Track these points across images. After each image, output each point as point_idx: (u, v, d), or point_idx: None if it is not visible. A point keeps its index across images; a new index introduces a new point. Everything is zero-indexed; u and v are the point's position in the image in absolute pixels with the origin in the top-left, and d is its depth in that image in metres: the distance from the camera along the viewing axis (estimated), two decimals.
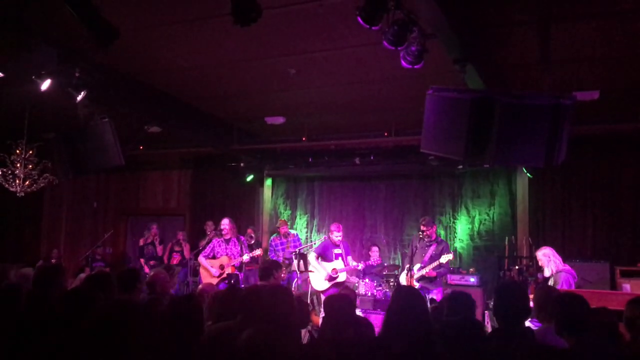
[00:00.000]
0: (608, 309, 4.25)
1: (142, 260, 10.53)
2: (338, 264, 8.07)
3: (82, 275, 5.70)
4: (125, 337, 2.28)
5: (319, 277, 8.06)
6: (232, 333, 2.23)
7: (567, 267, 6.33)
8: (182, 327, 2.55)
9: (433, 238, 7.75)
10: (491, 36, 5.62)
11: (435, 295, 7.35)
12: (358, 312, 5.52)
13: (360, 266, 8.35)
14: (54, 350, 2.83)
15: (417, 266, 7.62)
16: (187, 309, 2.65)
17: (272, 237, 9.64)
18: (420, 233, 7.67)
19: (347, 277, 9.00)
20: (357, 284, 8.54)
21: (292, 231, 9.81)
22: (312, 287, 8.05)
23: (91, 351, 2.29)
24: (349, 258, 8.22)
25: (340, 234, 8.23)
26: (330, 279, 8.00)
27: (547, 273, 6.34)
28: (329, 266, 8.06)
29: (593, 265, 8.23)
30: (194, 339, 2.53)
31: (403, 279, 7.86)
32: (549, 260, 6.34)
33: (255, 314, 2.70)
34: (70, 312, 2.96)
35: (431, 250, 7.63)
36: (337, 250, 8.17)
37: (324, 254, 8.15)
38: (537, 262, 6.71)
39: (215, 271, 8.00)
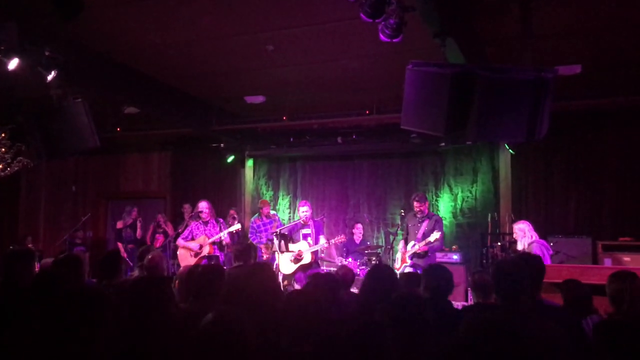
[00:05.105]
0: (581, 283, 4.28)
1: (119, 244, 10.31)
2: (303, 245, 7.89)
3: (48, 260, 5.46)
4: (87, 324, 2.18)
5: (285, 259, 7.88)
6: (199, 316, 2.13)
7: (541, 240, 6.39)
8: (145, 310, 2.47)
9: (425, 213, 7.72)
10: (472, 9, 5.50)
11: None
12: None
13: (323, 242, 7.96)
14: (22, 335, 2.74)
15: (411, 244, 7.64)
16: (152, 291, 2.56)
17: (253, 218, 9.44)
18: (414, 210, 7.71)
19: (335, 257, 8.95)
20: (339, 263, 8.46)
21: (272, 212, 9.65)
22: (280, 271, 7.81)
23: (53, 338, 2.19)
24: (321, 237, 8.00)
25: (305, 208, 8.08)
26: (296, 261, 7.83)
27: (519, 247, 6.39)
28: (294, 248, 7.90)
29: (575, 241, 8.31)
30: (158, 321, 2.45)
31: (399, 259, 7.86)
32: (523, 235, 6.39)
33: (223, 294, 2.62)
34: (36, 295, 2.86)
35: (424, 226, 7.61)
36: (305, 231, 8.01)
37: (291, 235, 8.02)
38: None
39: (192, 251, 7.87)
